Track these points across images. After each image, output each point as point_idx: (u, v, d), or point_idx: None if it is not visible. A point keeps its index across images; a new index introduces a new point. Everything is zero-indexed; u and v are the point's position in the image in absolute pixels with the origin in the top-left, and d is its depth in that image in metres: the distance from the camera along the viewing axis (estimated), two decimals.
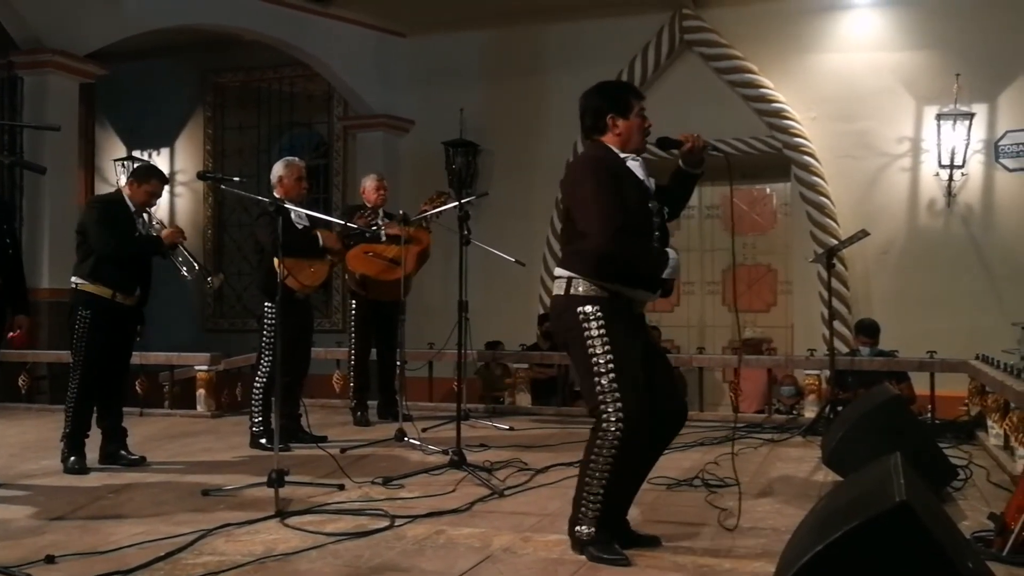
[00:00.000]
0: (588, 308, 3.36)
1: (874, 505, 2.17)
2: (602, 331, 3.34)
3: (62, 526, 3.94)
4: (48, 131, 7.97)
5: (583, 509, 3.37)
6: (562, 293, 3.42)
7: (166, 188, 12.23)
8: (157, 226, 5.47)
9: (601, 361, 3.32)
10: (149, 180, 5.35)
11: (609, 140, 3.59)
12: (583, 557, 3.36)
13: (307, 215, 5.87)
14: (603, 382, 3.31)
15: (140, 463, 5.31)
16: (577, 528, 3.39)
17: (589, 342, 3.34)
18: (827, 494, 3.15)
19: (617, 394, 3.30)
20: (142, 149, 12.17)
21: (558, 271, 3.49)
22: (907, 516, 2.10)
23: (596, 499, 3.35)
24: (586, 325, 3.35)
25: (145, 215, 5.39)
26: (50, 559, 3.33)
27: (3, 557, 3.37)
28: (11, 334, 4.95)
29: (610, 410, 3.30)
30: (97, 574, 3.15)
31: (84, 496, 4.53)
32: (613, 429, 3.30)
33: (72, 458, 5.11)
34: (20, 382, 8.04)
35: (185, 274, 5.37)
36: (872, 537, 2.12)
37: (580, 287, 3.38)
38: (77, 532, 3.82)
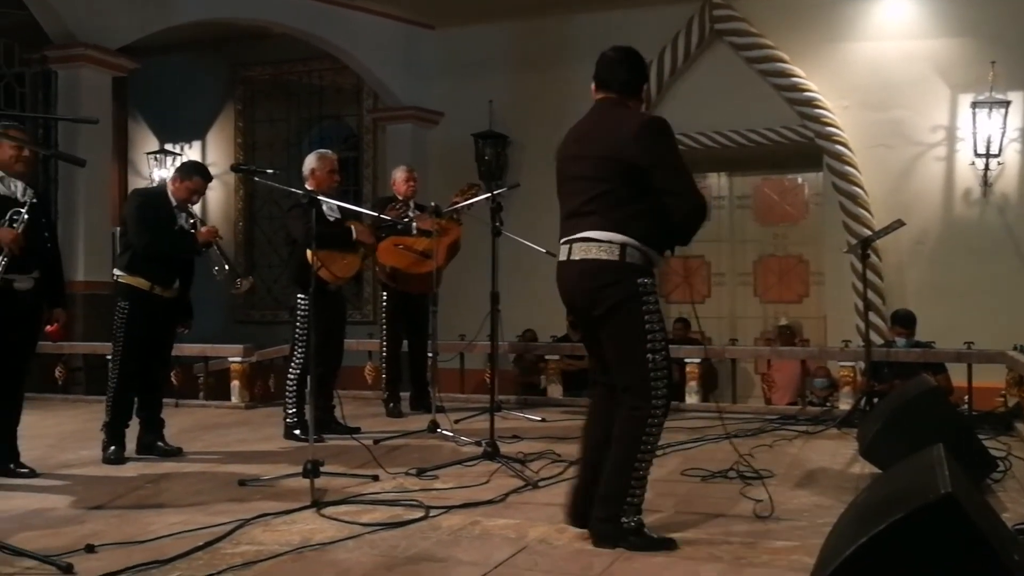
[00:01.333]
0: (647, 280, 3.32)
1: (918, 497, 2.14)
2: (657, 306, 3.33)
3: (101, 515, 3.98)
4: (82, 125, 8.08)
5: (631, 498, 3.31)
6: (616, 258, 3.30)
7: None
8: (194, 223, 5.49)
9: (658, 336, 3.30)
10: (192, 177, 5.37)
11: (635, 106, 3.57)
12: (619, 549, 3.34)
13: (339, 207, 5.88)
14: (657, 358, 3.29)
15: (177, 453, 5.36)
16: (624, 519, 3.31)
17: (648, 316, 3.30)
18: (868, 486, 3.12)
19: (666, 371, 3.31)
20: (174, 142, 12.26)
21: (602, 234, 3.32)
22: (952, 508, 2.07)
23: (644, 482, 3.35)
24: (646, 298, 3.31)
25: (187, 211, 5.41)
26: (90, 548, 3.37)
27: (44, 546, 3.41)
28: (48, 328, 5.00)
29: (660, 385, 3.29)
30: (136, 563, 3.17)
31: (122, 486, 4.58)
32: (662, 404, 3.30)
33: (112, 448, 5.18)
34: (56, 374, 8.14)
35: (216, 272, 5.37)
36: (916, 530, 2.09)
37: (635, 256, 3.31)
38: (116, 521, 3.86)
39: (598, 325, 3.41)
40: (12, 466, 4.76)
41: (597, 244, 3.34)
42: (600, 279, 3.34)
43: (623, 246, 3.30)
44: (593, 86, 3.61)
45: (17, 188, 4.66)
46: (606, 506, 3.35)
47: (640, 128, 3.35)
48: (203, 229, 5.40)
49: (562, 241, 3.51)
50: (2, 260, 4.46)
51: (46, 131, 9.11)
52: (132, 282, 5.19)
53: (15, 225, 4.54)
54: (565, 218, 3.53)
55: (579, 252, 3.39)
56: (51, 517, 3.95)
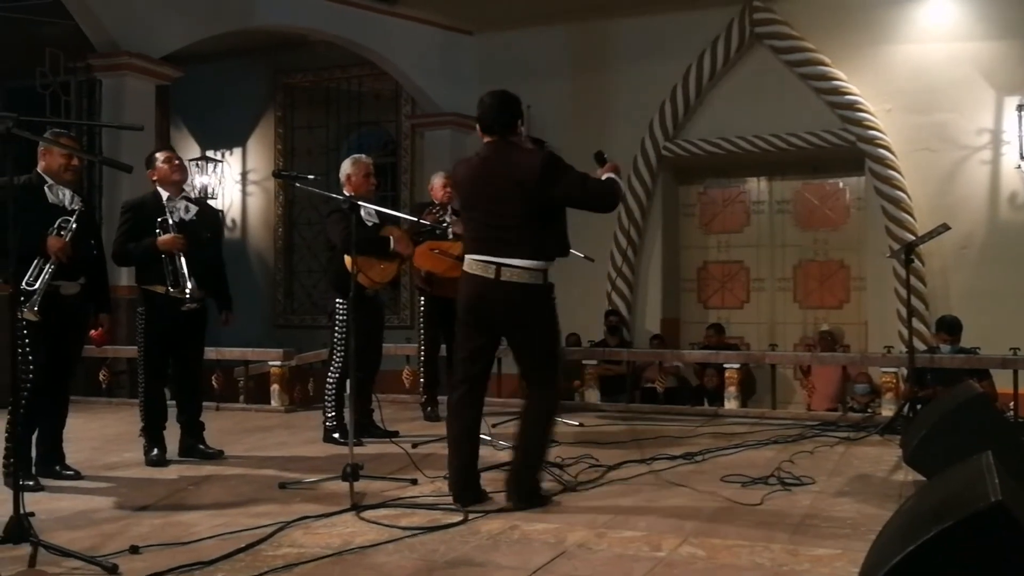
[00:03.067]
0: (553, 293, 4.10)
1: (967, 505, 2.11)
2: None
3: (145, 517, 4.03)
4: (126, 133, 8.20)
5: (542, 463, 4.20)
6: (539, 282, 4.02)
7: (237, 186, 12.56)
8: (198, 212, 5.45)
9: (558, 337, 4.21)
10: (155, 160, 5.35)
11: (517, 140, 4.29)
12: (659, 554, 3.33)
13: (376, 211, 5.91)
14: (557, 354, 4.21)
15: (218, 456, 5.41)
16: (540, 483, 4.16)
17: (556, 323, 4.16)
18: (914, 494, 3.08)
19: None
20: (215, 149, 12.41)
21: (523, 262, 3.98)
22: (1002, 517, 2.03)
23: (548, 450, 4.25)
24: (553, 307, 4.12)
25: (190, 199, 5.42)
26: (134, 549, 3.41)
27: (89, 546, 3.46)
28: (93, 332, 5.07)
29: (559, 376, 4.23)
30: (179, 564, 3.21)
31: (165, 488, 4.63)
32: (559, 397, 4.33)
33: (154, 451, 5.24)
34: (101, 377, 8.26)
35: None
36: (965, 538, 2.06)
37: (546, 276, 4.05)
38: (159, 523, 3.91)
39: (514, 335, 4.13)
40: (58, 468, 4.84)
41: (520, 270, 3.99)
42: (527, 300, 4.02)
43: (544, 270, 4.03)
44: (478, 129, 4.32)
45: (65, 196, 4.74)
46: (531, 473, 4.10)
47: (542, 167, 3.99)
48: (164, 237, 5.17)
49: (480, 258, 4.06)
50: (50, 267, 4.54)
51: (90, 139, 9.24)
52: (147, 288, 5.24)
53: (63, 233, 4.61)
54: (477, 239, 4.12)
55: (506, 274, 4.00)
56: (96, 518, 4.01)
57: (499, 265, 4.00)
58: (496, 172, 4.10)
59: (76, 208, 4.73)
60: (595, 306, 10.02)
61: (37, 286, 4.50)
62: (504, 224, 4.02)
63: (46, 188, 4.69)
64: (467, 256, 4.15)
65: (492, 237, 4.05)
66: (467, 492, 4.12)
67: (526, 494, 4.08)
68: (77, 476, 4.83)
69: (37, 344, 4.55)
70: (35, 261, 4.54)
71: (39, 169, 4.72)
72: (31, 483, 4.46)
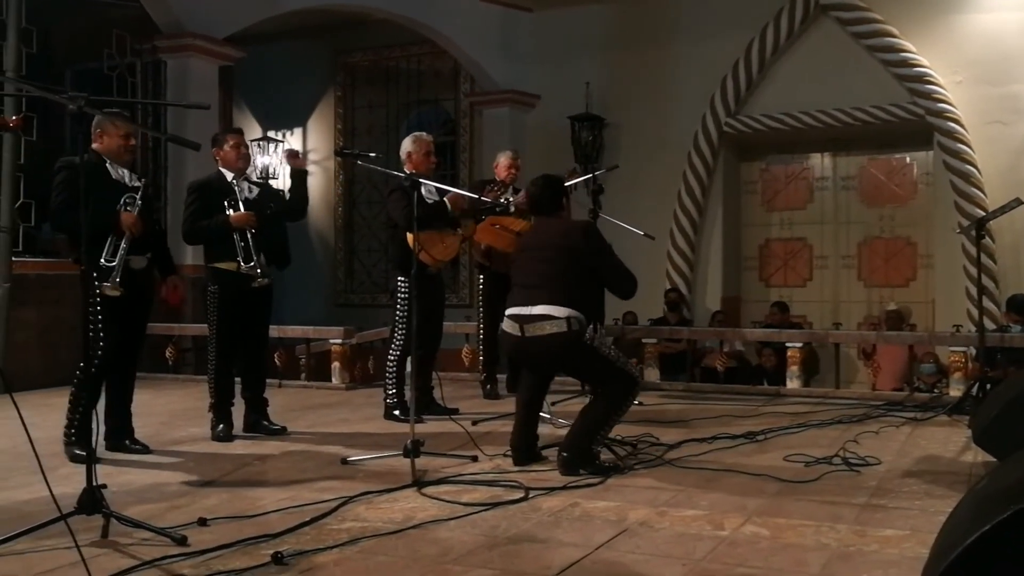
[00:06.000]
0: (587, 336, 4.42)
1: None
2: (597, 338, 4.51)
3: (212, 491, 4.11)
4: (191, 113, 8.32)
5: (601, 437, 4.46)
6: (564, 330, 4.36)
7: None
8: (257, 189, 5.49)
9: (612, 352, 4.51)
10: (225, 139, 5.41)
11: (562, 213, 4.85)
12: (722, 533, 3.31)
13: (437, 188, 5.92)
14: (619, 359, 4.49)
15: (282, 432, 5.50)
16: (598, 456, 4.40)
17: (601, 348, 4.46)
18: (987, 474, 3.00)
19: (624, 357, 4.61)
20: (276, 129, 12.53)
21: (549, 309, 4.38)
22: None
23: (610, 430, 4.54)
24: (594, 344, 4.42)
25: (247, 181, 5.46)
26: (202, 522, 3.48)
27: (159, 519, 3.54)
28: (170, 295, 5.13)
29: (632, 368, 4.60)
30: (246, 537, 3.26)
31: (231, 463, 4.72)
32: (639, 376, 4.72)
33: (220, 426, 5.35)
34: (167, 354, 8.43)
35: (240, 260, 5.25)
36: None
37: (568, 325, 4.37)
38: (226, 497, 3.98)
39: (564, 370, 4.92)
40: (127, 442, 4.96)
41: (544, 322, 4.39)
42: (566, 347, 4.40)
43: (567, 320, 4.36)
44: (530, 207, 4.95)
45: (124, 174, 4.82)
46: (584, 440, 4.34)
47: (583, 232, 4.59)
48: (236, 214, 5.24)
49: (509, 313, 4.57)
50: (125, 243, 4.63)
51: (156, 119, 9.41)
52: (218, 265, 5.31)
53: (130, 209, 4.70)
54: (513, 295, 4.67)
55: (530, 331, 4.42)
56: (165, 492, 4.10)
57: (522, 323, 4.44)
58: (549, 239, 4.61)
59: (137, 185, 4.81)
60: (655, 284, 9.94)
61: (116, 262, 4.61)
62: (542, 270, 4.50)
63: (108, 166, 4.77)
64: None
65: (526, 285, 4.56)
66: (523, 453, 4.56)
67: (573, 462, 4.29)
68: (145, 450, 4.95)
69: (110, 320, 4.65)
70: (108, 238, 4.64)
71: (96, 149, 4.78)
72: (83, 454, 4.59)
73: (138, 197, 4.75)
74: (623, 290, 4.65)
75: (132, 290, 4.73)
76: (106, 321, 4.64)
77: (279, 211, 5.52)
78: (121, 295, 4.59)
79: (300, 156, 5.27)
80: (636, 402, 6.43)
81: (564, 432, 5.19)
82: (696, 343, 8.63)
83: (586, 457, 4.32)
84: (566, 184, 6.25)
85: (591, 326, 4.44)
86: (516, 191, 6.72)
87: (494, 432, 5.41)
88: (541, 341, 4.41)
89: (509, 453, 4.68)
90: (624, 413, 4.50)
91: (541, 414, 5.75)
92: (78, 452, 4.61)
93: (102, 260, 4.60)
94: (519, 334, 4.47)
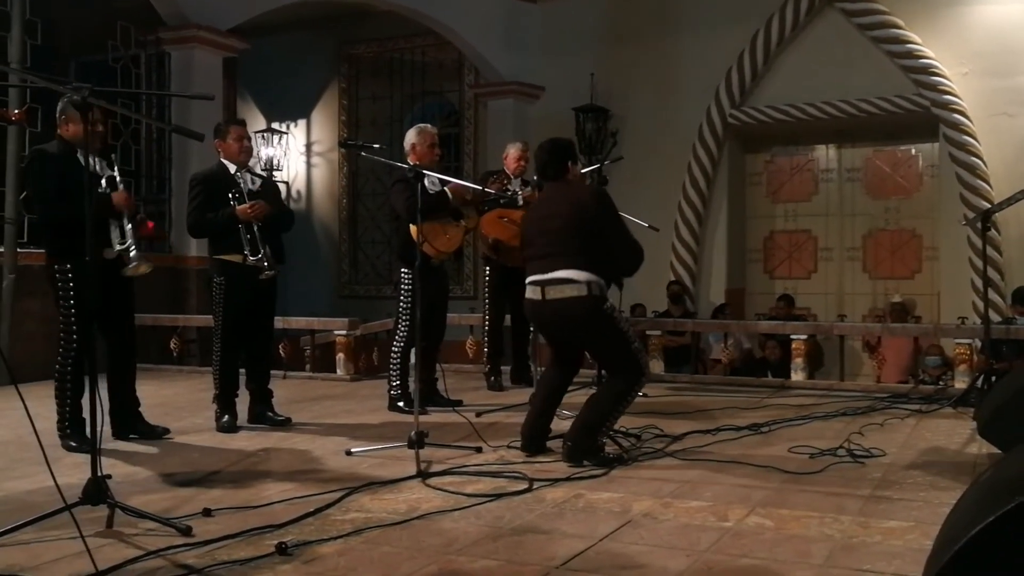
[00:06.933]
0: (608, 303, 4.41)
1: None
2: (619, 312, 4.50)
3: (217, 481, 4.12)
4: (195, 105, 8.32)
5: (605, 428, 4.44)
6: (584, 294, 4.31)
7: (302, 158, 12.69)
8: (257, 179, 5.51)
9: (629, 332, 4.44)
10: (228, 131, 5.41)
11: (571, 174, 4.74)
12: (726, 524, 3.30)
13: (441, 180, 5.91)
14: (634, 345, 4.45)
15: (286, 423, 5.50)
16: (603, 448, 4.40)
17: (621, 324, 4.42)
18: (991, 466, 2.99)
19: (639, 347, 4.56)
20: (280, 120, 12.54)
21: (567, 273, 4.33)
22: None
23: (615, 421, 4.50)
24: (614, 314, 4.40)
25: (249, 173, 5.47)
26: (207, 512, 3.48)
27: (164, 508, 3.55)
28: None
29: (643, 359, 4.49)
30: (251, 527, 3.27)
31: (235, 454, 4.72)
32: (647, 369, 4.54)
33: (225, 417, 5.35)
34: (172, 345, 8.45)
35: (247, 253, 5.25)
36: None
37: (589, 289, 4.33)
38: (230, 487, 3.99)
39: (579, 343, 4.63)
40: (141, 427, 5.05)
41: (564, 285, 4.35)
42: (576, 315, 4.38)
43: (587, 284, 4.32)
44: (537, 174, 4.91)
45: (94, 161, 4.68)
46: (588, 432, 4.33)
47: (594, 196, 4.55)
48: (242, 207, 5.21)
49: (530, 280, 4.51)
50: (127, 222, 4.64)
51: (160, 110, 9.41)
52: (224, 257, 5.31)
53: (120, 189, 4.72)
54: (531, 264, 4.56)
55: (551, 293, 4.38)
56: (169, 482, 4.10)
57: (543, 285, 4.40)
58: (557, 207, 4.53)
59: (109, 174, 4.78)
60: (659, 276, 9.94)
61: (128, 239, 4.64)
62: (554, 241, 4.44)
63: (78, 155, 4.58)
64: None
65: (540, 255, 4.48)
66: (531, 441, 4.58)
67: (577, 451, 4.31)
68: (165, 432, 5.07)
69: (87, 315, 4.57)
70: (111, 223, 4.66)
71: (64, 136, 4.72)
72: (74, 444, 4.64)
73: (118, 179, 4.75)
74: (629, 262, 4.56)
75: (109, 281, 4.71)
76: (80, 317, 4.61)
77: (275, 214, 5.48)
78: (101, 286, 4.58)
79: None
80: (641, 394, 6.48)
81: (567, 424, 5.21)
82: (699, 337, 8.62)
83: (591, 448, 4.32)
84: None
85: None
86: (525, 183, 6.70)
87: (498, 424, 5.42)
88: (561, 305, 4.35)
89: (513, 444, 4.69)
90: (629, 404, 4.46)
91: None
92: (72, 444, 4.66)
93: (116, 246, 4.65)
94: (540, 297, 4.42)
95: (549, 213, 4.53)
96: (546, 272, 4.39)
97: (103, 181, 4.74)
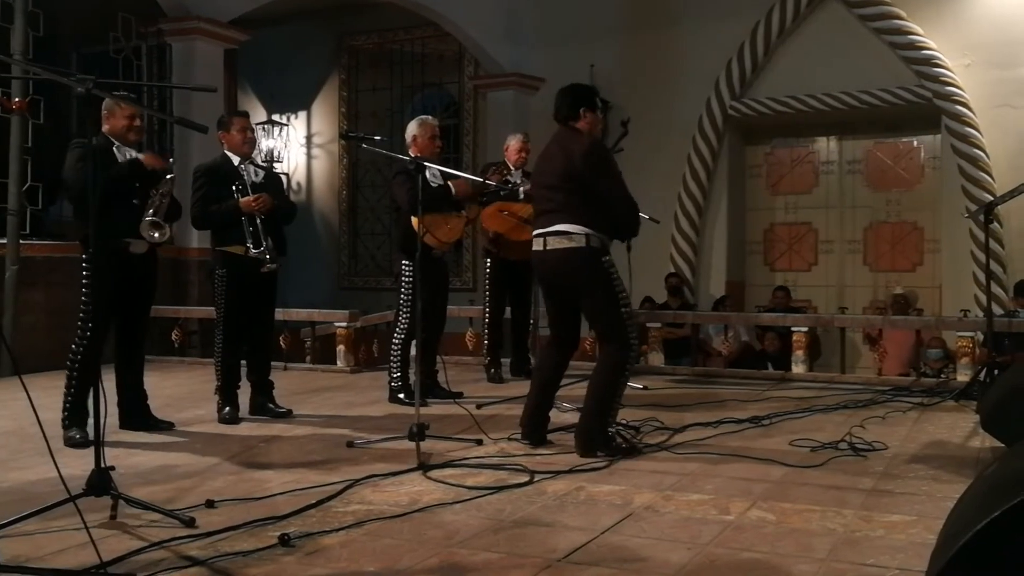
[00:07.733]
0: (607, 257, 4.41)
1: None
2: (617, 273, 4.44)
3: (219, 473, 4.12)
4: (196, 97, 8.31)
5: (611, 413, 4.42)
6: (582, 245, 4.34)
7: (302, 149, 12.67)
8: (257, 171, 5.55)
9: (622, 296, 4.40)
10: (231, 123, 5.42)
11: (583, 124, 4.55)
12: (727, 517, 3.31)
13: (441, 172, 5.90)
14: (619, 313, 4.38)
15: (287, 415, 5.51)
16: (612, 436, 4.39)
17: (616, 283, 4.38)
18: (996, 459, 2.99)
19: (632, 321, 4.48)
20: (280, 112, 12.52)
21: (565, 227, 4.36)
22: None
23: (618, 402, 4.47)
24: (611, 270, 4.38)
25: (253, 164, 5.47)
26: (210, 503, 3.49)
27: (167, 499, 3.55)
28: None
29: (633, 332, 4.44)
30: (254, 519, 3.27)
31: (237, 445, 4.73)
32: (636, 344, 4.54)
33: (227, 409, 5.36)
34: (173, 337, 8.44)
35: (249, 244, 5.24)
36: None
37: (587, 240, 4.34)
38: (233, 479, 4.00)
39: (574, 298, 4.52)
40: (148, 420, 5.07)
41: (562, 236, 4.38)
42: (572, 265, 4.39)
43: (585, 235, 4.34)
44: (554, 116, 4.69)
45: (131, 155, 4.82)
46: (596, 422, 4.35)
47: (583, 156, 4.38)
48: (244, 199, 5.22)
49: (535, 232, 4.54)
50: (149, 213, 4.68)
51: (162, 102, 9.39)
52: (226, 249, 5.31)
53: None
54: (536, 215, 4.61)
55: (551, 243, 4.42)
56: (172, 474, 4.11)
57: (545, 236, 4.44)
58: (553, 162, 4.52)
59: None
60: (659, 269, 9.94)
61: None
62: (553, 196, 4.46)
63: (115, 149, 4.78)
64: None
65: (544, 210, 4.51)
66: (532, 432, 4.59)
67: (591, 443, 4.33)
68: (170, 426, 5.09)
69: (105, 304, 4.66)
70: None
71: (104, 131, 4.83)
72: (78, 436, 4.64)
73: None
74: (623, 219, 4.49)
75: (133, 275, 4.73)
76: (97, 307, 4.62)
77: (278, 206, 5.48)
78: (122, 280, 4.60)
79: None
80: (641, 387, 6.50)
81: (568, 416, 5.22)
82: (699, 328, 8.61)
83: (603, 438, 4.35)
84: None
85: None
86: (526, 175, 6.70)
87: (499, 416, 5.42)
88: (561, 255, 4.39)
89: (514, 436, 4.69)
90: (625, 381, 4.50)
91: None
92: (71, 436, 4.66)
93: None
94: (542, 248, 4.47)
95: (547, 168, 4.56)
96: (547, 226, 4.45)
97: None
